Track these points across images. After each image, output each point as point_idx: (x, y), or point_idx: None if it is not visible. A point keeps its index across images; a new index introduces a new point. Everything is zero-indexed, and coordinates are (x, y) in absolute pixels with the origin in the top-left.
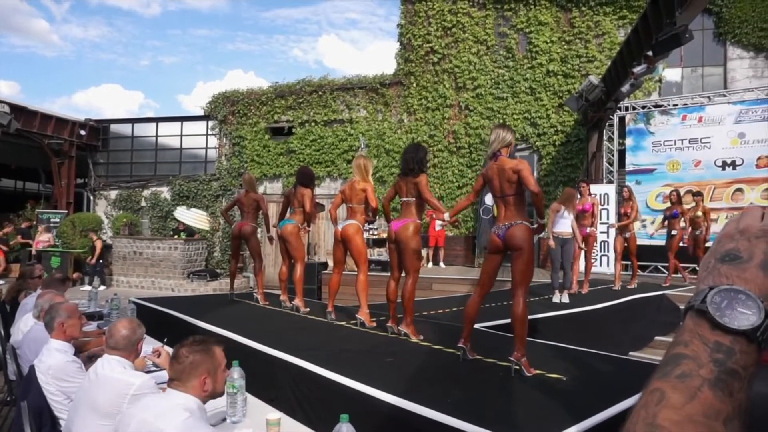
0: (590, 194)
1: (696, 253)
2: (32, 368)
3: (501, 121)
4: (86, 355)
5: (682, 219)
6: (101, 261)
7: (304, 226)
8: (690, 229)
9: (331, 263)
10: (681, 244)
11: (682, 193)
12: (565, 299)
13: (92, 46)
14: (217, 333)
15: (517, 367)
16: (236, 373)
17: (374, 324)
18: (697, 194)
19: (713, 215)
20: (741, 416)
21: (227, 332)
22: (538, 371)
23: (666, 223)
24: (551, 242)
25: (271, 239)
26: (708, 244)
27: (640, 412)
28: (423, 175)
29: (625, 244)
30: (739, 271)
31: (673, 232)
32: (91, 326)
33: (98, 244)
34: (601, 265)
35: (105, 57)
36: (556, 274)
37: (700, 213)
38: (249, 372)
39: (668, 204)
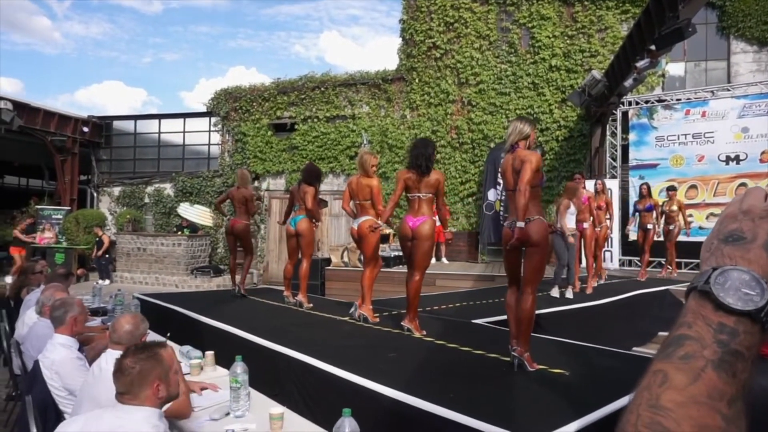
0: (585, 188)
1: (668, 248)
2: (37, 363)
3: (504, 116)
4: (93, 351)
5: (655, 212)
6: (107, 256)
7: (314, 222)
8: (664, 223)
9: (334, 259)
10: (655, 237)
11: (686, 189)
12: (569, 295)
13: (94, 44)
14: (220, 328)
15: (520, 363)
16: (239, 368)
17: (377, 320)
18: (671, 188)
19: (716, 210)
20: (744, 397)
21: (231, 328)
22: (541, 366)
23: (638, 216)
24: (570, 238)
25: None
26: (679, 239)
27: (643, 394)
28: (441, 174)
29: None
30: (742, 251)
31: (648, 226)
32: (95, 321)
33: (106, 239)
34: (604, 260)
35: (107, 54)
36: (561, 270)
37: (675, 207)
38: (252, 367)
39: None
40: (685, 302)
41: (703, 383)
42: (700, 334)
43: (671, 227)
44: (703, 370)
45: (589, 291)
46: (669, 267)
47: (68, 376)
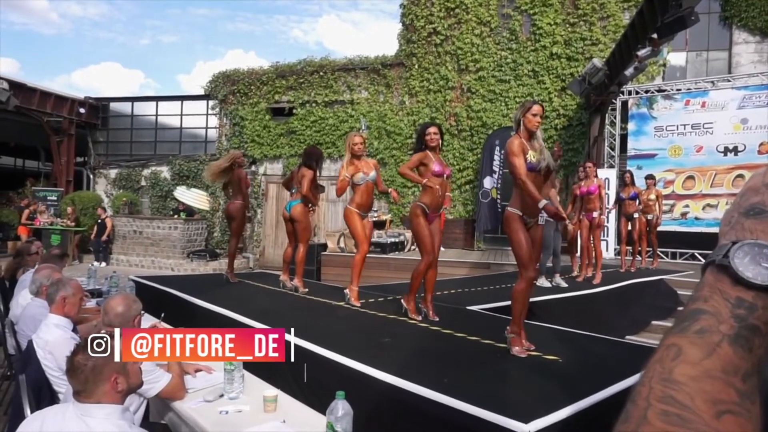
0: (596, 176)
1: (649, 237)
2: (30, 343)
3: (503, 104)
4: (85, 331)
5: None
6: (109, 239)
7: (310, 207)
8: (641, 212)
9: (331, 244)
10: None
11: (684, 179)
12: (562, 282)
13: (91, 24)
14: (215, 311)
15: (507, 341)
16: None
17: (359, 304)
18: (650, 177)
19: (713, 201)
20: (759, 372)
21: (225, 310)
22: (534, 353)
23: (619, 205)
24: (571, 226)
25: (249, 219)
26: (659, 229)
27: (655, 367)
28: (415, 155)
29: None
30: (764, 225)
31: (635, 215)
32: (91, 303)
33: (109, 222)
34: (607, 250)
35: (104, 35)
36: (547, 259)
37: (653, 196)
38: None
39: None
40: (702, 276)
41: (718, 358)
42: (717, 308)
43: (650, 217)
44: (719, 344)
45: (597, 281)
46: (660, 257)
47: (62, 357)
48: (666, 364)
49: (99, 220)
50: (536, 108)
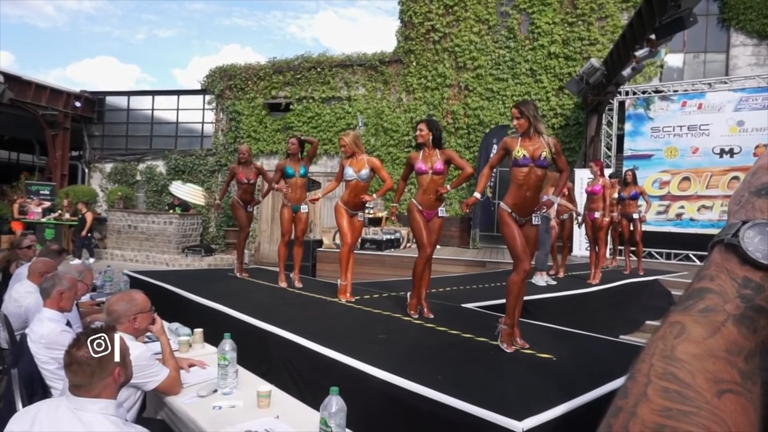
0: (602, 175)
1: (634, 237)
2: (24, 337)
3: (500, 102)
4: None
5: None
6: (90, 235)
7: (311, 196)
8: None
9: (326, 241)
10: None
11: (679, 180)
12: (552, 281)
13: (87, 18)
14: (209, 306)
15: (498, 332)
16: (228, 346)
17: (353, 299)
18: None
19: (708, 202)
20: (763, 353)
21: (220, 306)
22: (528, 351)
23: (621, 205)
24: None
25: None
26: (644, 228)
27: (657, 344)
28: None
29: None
30: None
31: (635, 216)
32: (84, 298)
33: (89, 217)
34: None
35: (100, 29)
36: (543, 256)
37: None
38: (241, 345)
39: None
40: (709, 255)
41: (722, 337)
42: (723, 288)
43: (635, 216)
44: (724, 324)
45: (596, 281)
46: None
47: (56, 349)
48: (668, 342)
49: (80, 215)
50: (512, 111)
